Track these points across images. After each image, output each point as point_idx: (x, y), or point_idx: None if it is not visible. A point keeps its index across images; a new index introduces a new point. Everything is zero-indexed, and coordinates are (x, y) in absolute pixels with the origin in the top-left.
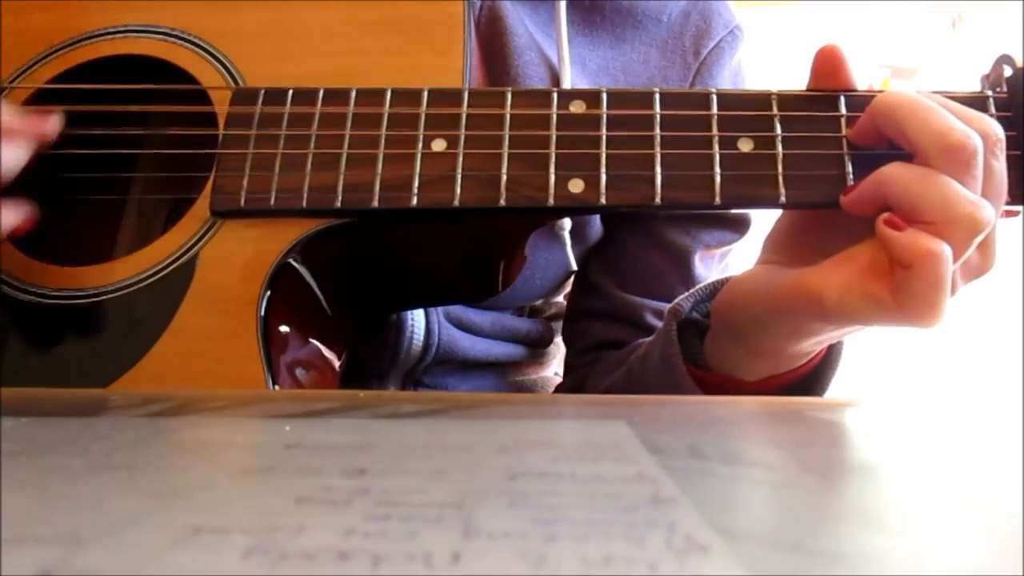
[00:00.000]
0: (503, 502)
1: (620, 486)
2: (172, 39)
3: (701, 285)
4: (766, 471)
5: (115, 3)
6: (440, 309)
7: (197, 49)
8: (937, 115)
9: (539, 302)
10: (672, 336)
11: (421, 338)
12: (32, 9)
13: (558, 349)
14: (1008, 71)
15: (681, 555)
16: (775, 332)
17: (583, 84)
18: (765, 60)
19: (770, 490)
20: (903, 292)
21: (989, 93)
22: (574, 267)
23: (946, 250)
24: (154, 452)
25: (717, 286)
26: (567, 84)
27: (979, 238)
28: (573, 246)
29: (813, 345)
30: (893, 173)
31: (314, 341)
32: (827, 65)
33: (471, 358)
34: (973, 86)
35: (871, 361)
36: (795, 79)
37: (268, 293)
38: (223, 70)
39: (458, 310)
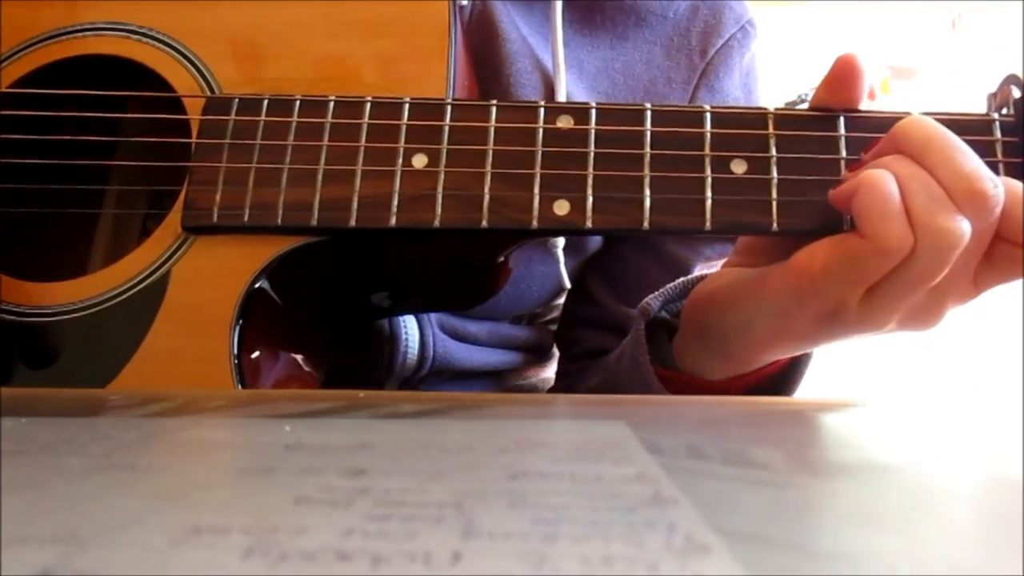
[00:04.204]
0: (503, 502)
1: (620, 486)
2: (144, 38)
3: (671, 284)
4: (766, 471)
5: (84, 1)
6: (435, 320)
7: (169, 50)
8: (967, 157)
9: (539, 308)
10: (640, 336)
11: (416, 351)
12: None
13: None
14: (1016, 92)
15: (681, 555)
16: (760, 332)
17: (581, 88)
18: (764, 61)
19: (770, 490)
20: (858, 218)
21: (996, 116)
22: (567, 285)
23: (888, 174)
24: (154, 452)
25: (688, 285)
26: (562, 92)
27: (952, 253)
28: (571, 257)
29: (781, 354)
30: (893, 169)
31: (291, 356)
32: (841, 75)
33: (468, 368)
34: (973, 87)
35: (871, 361)
36: (795, 79)
37: (242, 312)
38: (196, 73)
39: (454, 321)
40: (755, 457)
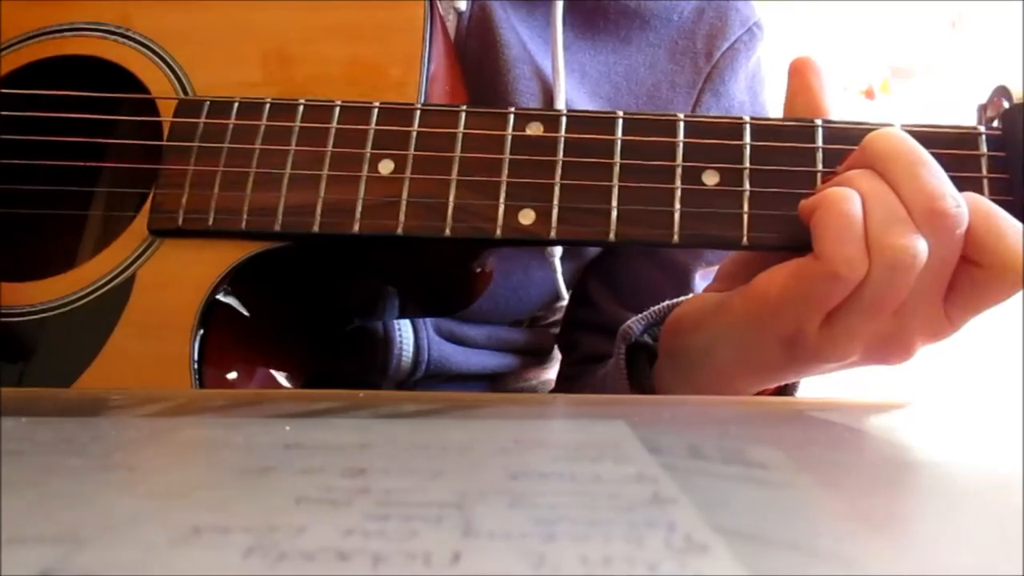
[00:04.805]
0: (503, 502)
1: (620, 486)
2: (123, 39)
3: (654, 308)
4: (766, 471)
5: (64, 1)
6: (430, 324)
7: (147, 52)
8: (931, 173)
9: (540, 312)
10: (620, 362)
11: (411, 355)
12: None
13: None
14: (1006, 105)
15: (681, 555)
16: (723, 358)
17: (582, 93)
18: (764, 60)
19: (770, 490)
20: (814, 238)
21: (982, 129)
22: (564, 295)
23: (851, 192)
24: (154, 452)
25: (670, 309)
26: (561, 98)
27: (907, 274)
28: (570, 261)
29: (748, 387)
30: (857, 184)
31: (261, 362)
32: (797, 80)
33: (464, 371)
34: (973, 88)
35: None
36: None
37: (204, 316)
38: (172, 76)
39: (451, 324)
40: (755, 457)
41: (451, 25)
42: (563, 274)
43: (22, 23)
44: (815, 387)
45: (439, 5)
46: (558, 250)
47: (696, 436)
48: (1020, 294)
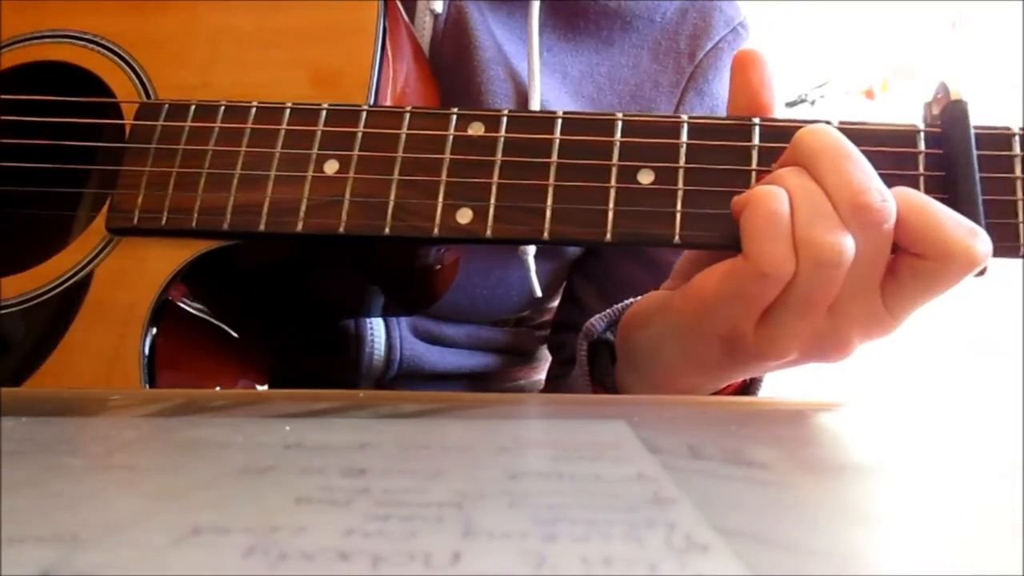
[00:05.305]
0: (503, 502)
1: (620, 486)
2: (89, 45)
3: (618, 305)
4: (766, 471)
5: (33, 4)
6: (404, 322)
7: (113, 56)
8: (857, 168)
9: (526, 312)
10: (582, 358)
11: (382, 353)
12: None
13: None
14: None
15: (681, 555)
16: (667, 356)
17: (563, 95)
18: None
19: (770, 490)
20: (743, 237)
21: (921, 127)
22: (538, 293)
23: (777, 190)
24: (154, 452)
25: (628, 306)
26: (536, 99)
27: (834, 270)
28: (549, 262)
29: (698, 385)
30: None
31: (216, 360)
32: (741, 73)
33: (440, 371)
34: (973, 88)
35: (870, 361)
36: (795, 79)
37: (156, 312)
38: (135, 79)
39: (428, 323)
40: (755, 457)
41: (427, 27)
42: (540, 273)
43: (5, 30)
44: (815, 387)
45: (416, 6)
46: (531, 249)
47: (696, 436)
48: (1021, 295)
